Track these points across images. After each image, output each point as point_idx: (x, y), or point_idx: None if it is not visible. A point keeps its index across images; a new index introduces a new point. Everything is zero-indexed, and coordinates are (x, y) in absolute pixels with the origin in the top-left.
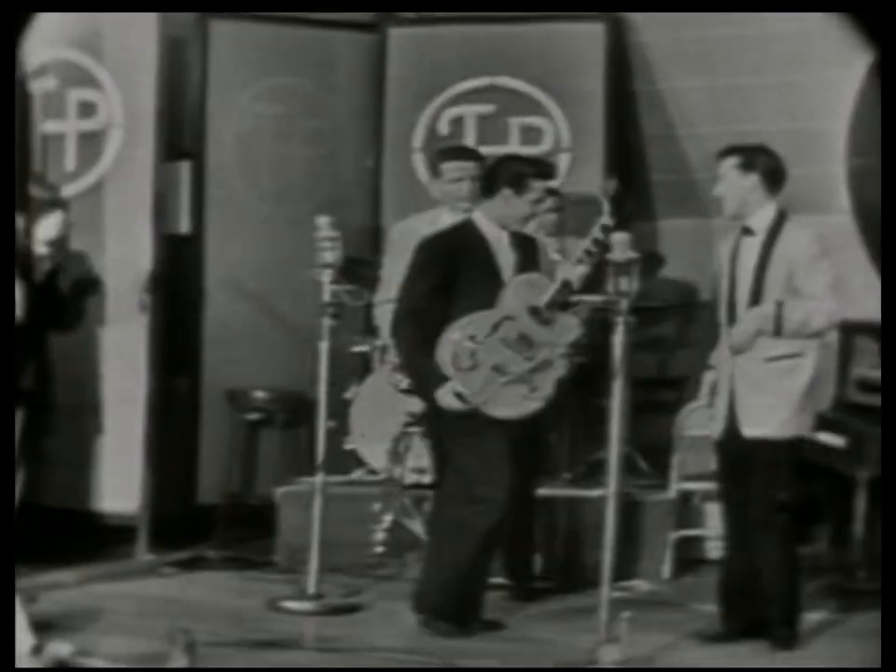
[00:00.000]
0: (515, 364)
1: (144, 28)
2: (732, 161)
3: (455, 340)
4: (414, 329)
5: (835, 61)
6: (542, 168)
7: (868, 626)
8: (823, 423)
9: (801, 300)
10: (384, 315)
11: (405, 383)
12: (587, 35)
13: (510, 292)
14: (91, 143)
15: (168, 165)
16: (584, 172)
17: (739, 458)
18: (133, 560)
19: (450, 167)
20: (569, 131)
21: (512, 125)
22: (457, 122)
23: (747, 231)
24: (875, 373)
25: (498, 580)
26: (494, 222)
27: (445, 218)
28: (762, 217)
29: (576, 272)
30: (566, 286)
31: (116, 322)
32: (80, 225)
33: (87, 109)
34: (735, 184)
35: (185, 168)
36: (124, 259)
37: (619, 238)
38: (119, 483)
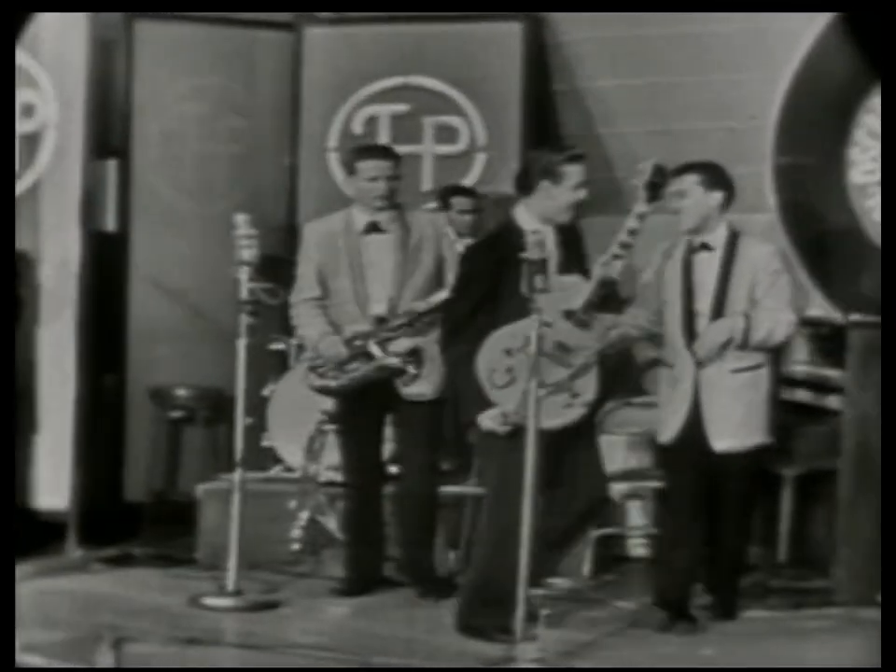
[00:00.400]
0: (553, 374)
1: (75, 29)
2: (695, 178)
3: (490, 356)
4: (457, 348)
5: (761, 60)
6: (573, 152)
7: (796, 624)
8: None
9: (764, 312)
10: (299, 314)
11: (316, 382)
12: (504, 35)
13: (543, 297)
14: (31, 143)
15: (96, 164)
16: (501, 171)
17: (699, 465)
18: (63, 556)
19: (366, 166)
20: (485, 130)
21: (426, 124)
22: (372, 122)
23: (704, 247)
24: (802, 369)
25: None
26: (538, 218)
27: (358, 218)
28: (718, 234)
29: (614, 267)
30: (604, 284)
31: (48, 321)
32: (22, 225)
33: (28, 110)
34: (699, 201)
35: (112, 166)
36: (56, 258)
37: (533, 237)
38: (51, 480)
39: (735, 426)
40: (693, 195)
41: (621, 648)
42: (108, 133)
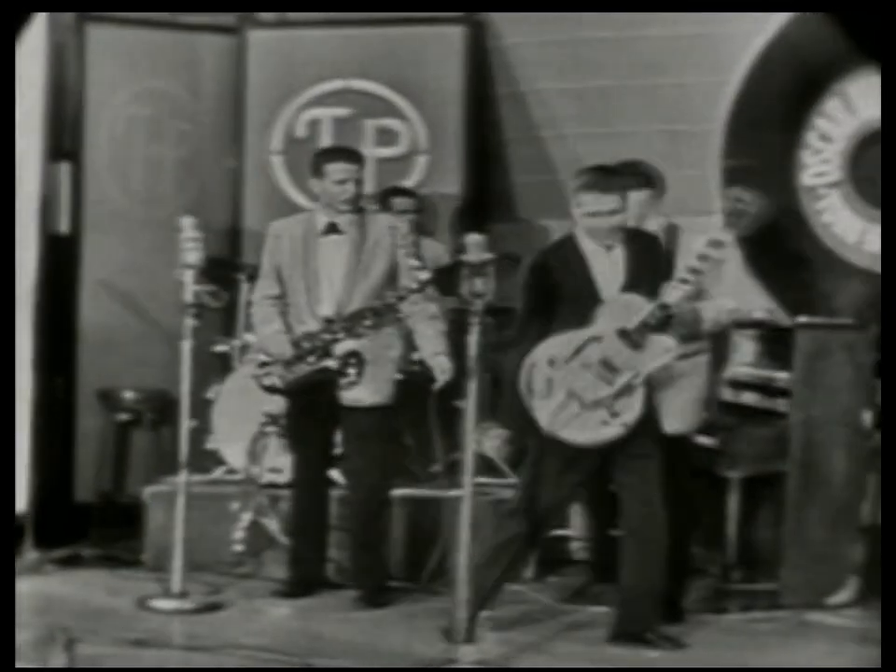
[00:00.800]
0: (593, 389)
1: (33, 32)
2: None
3: (533, 363)
4: (513, 362)
5: (710, 64)
6: (592, 179)
7: (744, 627)
8: None
9: (710, 302)
10: (256, 311)
11: (264, 380)
12: (446, 38)
13: (604, 312)
14: None
15: (50, 166)
16: (442, 174)
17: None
18: (21, 558)
19: (334, 168)
20: (427, 133)
21: (368, 127)
22: (314, 125)
23: None
24: (746, 371)
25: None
26: (587, 237)
27: (319, 219)
28: (654, 227)
29: (677, 292)
30: (662, 308)
31: None
32: None
33: None
34: (630, 201)
35: (65, 169)
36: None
37: (473, 239)
38: None
39: (685, 409)
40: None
41: (563, 649)
42: (61, 137)
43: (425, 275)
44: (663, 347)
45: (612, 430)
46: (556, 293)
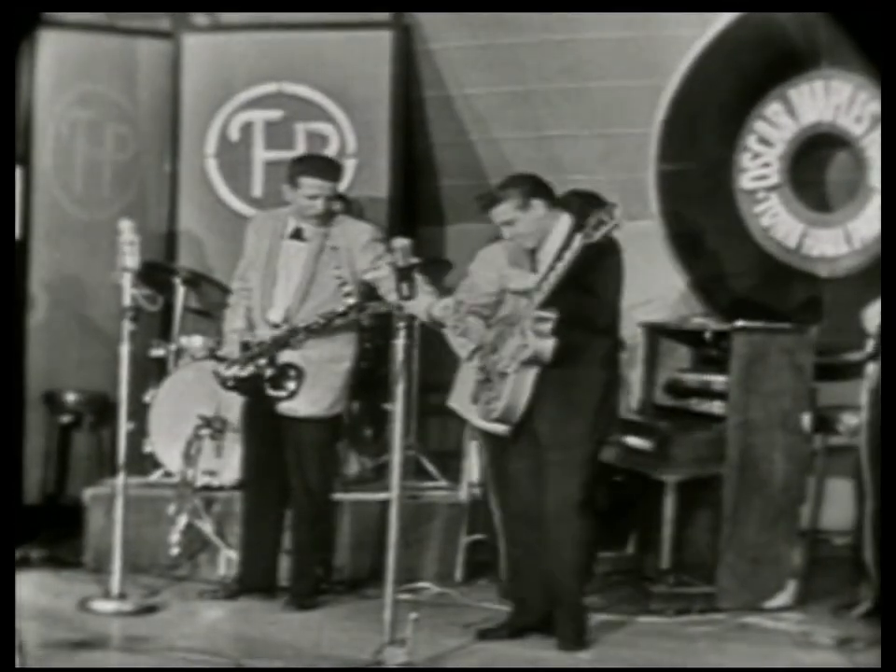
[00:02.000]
0: (488, 365)
1: None
2: (512, 203)
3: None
4: None
5: (644, 68)
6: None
7: (680, 630)
8: (631, 426)
9: None
10: (230, 302)
11: (220, 372)
12: (374, 43)
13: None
14: None
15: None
16: (371, 177)
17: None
18: None
19: (308, 183)
20: (355, 136)
21: (298, 131)
22: (247, 128)
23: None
24: (680, 376)
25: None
26: None
27: (290, 221)
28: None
29: (542, 291)
30: (539, 311)
31: None
32: None
33: None
34: (528, 220)
35: (18, 174)
36: None
37: (400, 243)
38: None
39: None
40: (519, 219)
41: (491, 652)
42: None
43: (350, 301)
44: (520, 343)
45: (489, 416)
46: None
